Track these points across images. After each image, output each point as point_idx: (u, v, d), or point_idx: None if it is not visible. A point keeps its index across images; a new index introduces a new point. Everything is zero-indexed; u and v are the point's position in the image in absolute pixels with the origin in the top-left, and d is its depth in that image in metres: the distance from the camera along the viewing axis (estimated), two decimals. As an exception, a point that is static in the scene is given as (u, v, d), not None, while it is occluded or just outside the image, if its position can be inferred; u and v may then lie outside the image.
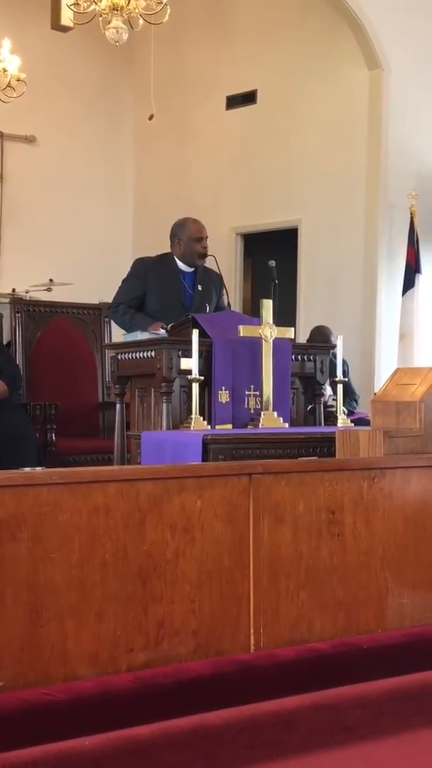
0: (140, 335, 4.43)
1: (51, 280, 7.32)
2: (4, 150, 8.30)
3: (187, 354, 3.96)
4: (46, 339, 6.30)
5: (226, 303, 5.23)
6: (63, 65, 8.41)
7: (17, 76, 6.60)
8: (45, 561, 2.16)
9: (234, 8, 8.29)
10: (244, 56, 8.14)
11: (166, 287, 4.98)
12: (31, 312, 6.33)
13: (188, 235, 4.98)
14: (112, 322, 6.32)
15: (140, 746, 1.93)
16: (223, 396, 4.12)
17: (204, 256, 5.01)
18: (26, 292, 7.23)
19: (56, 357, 6.26)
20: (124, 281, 5.09)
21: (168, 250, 5.10)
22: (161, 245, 5.30)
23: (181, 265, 5.02)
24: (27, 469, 2.21)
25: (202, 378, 3.98)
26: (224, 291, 5.25)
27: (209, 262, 5.14)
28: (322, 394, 4.58)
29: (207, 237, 5.03)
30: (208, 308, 5.02)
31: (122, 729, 1.97)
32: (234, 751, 2.03)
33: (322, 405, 4.58)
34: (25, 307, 6.33)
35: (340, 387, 4.48)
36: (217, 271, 5.16)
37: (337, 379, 4.45)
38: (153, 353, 4.11)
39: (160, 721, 2.02)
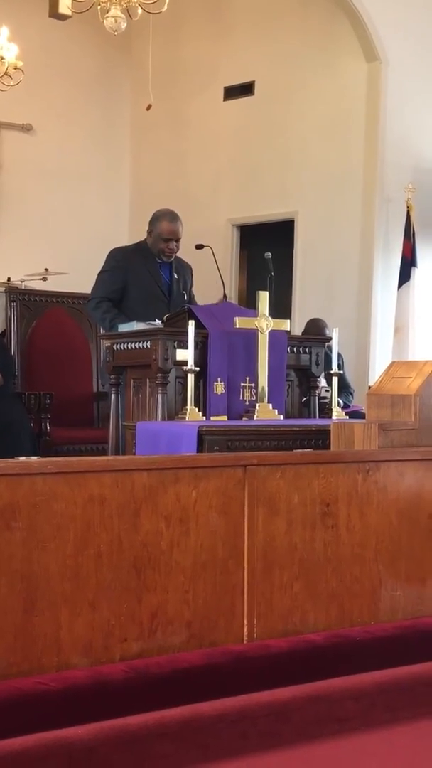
0: (136, 325, 4.43)
1: (46, 270, 7.30)
2: (0, 138, 8.26)
3: (183, 345, 3.96)
4: (41, 328, 6.29)
5: (193, 295, 5.23)
6: (61, 54, 8.37)
7: (14, 64, 6.57)
8: (39, 550, 2.16)
9: (233, -1, 8.27)
10: (243, 47, 8.12)
11: (145, 276, 4.98)
12: (27, 301, 6.32)
13: (158, 232, 4.96)
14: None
15: (133, 736, 1.94)
16: (219, 387, 4.12)
17: (167, 256, 4.98)
18: (21, 282, 7.21)
19: (51, 346, 6.26)
20: (102, 272, 5.04)
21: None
22: (158, 236, 5.28)
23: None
24: (22, 459, 2.21)
25: (198, 369, 3.98)
26: (192, 282, 5.26)
27: (203, 253, 5.11)
28: (317, 387, 4.58)
29: (179, 239, 4.96)
30: (185, 296, 5.03)
31: (115, 718, 1.98)
32: (227, 741, 2.04)
33: (317, 397, 4.58)
34: (20, 297, 6.32)
35: (335, 379, 4.48)
36: (188, 263, 5.17)
37: (332, 372, 4.46)
38: (149, 344, 4.11)
39: (153, 710, 2.02)
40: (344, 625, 2.62)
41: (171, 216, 4.98)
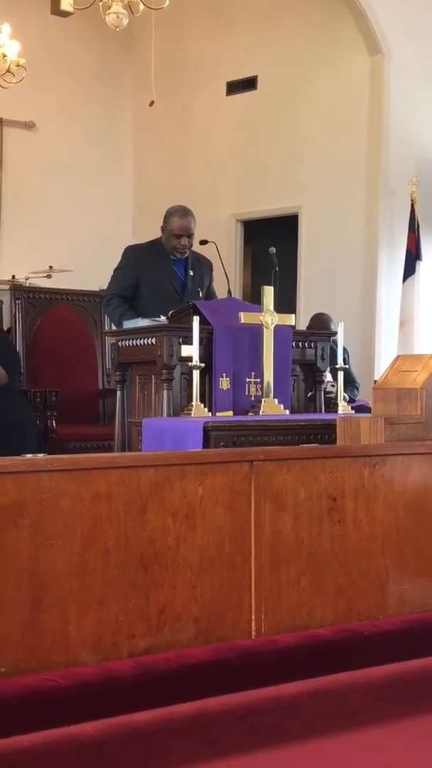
0: (141, 322, 4.42)
1: (51, 267, 7.31)
2: (3, 136, 8.26)
3: (188, 341, 3.96)
4: (46, 326, 6.29)
5: (214, 291, 5.21)
6: (63, 51, 8.37)
7: (17, 61, 6.57)
8: (46, 547, 2.16)
9: (234, -7, 8.25)
10: (245, 42, 8.10)
11: (158, 273, 4.96)
12: (31, 299, 6.32)
13: (170, 228, 4.95)
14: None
15: (142, 732, 1.94)
16: (224, 383, 4.12)
17: (180, 252, 4.96)
18: (26, 279, 7.22)
19: (56, 344, 6.26)
20: (116, 270, 5.06)
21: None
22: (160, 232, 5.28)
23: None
24: (29, 456, 2.21)
25: (203, 365, 3.97)
26: (212, 278, 5.24)
27: (207, 249, 5.11)
28: (323, 381, 4.58)
29: (191, 235, 4.96)
30: (200, 293, 5.02)
31: (124, 715, 1.98)
32: (236, 736, 2.04)
33: (322, 392, 4.58)
34: (25, 294, 6.32)
35: (340, 374, 4.48)
36: (208, 259, 5.15)
37: (337, 366, 4.45)
38: (154, 340, 4.11)
39: (161, 706, 2.02)
40: (352, 620, 2.62)
41: (182, 212, 4.96)
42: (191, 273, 5.03)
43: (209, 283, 5.18)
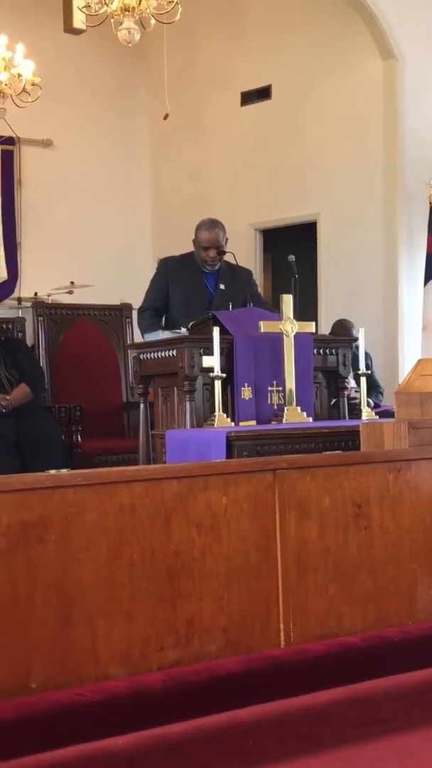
0: (162, 334, 4.44)
1: (72, 283, 7.35)
2: (21, 155, 8.32)
3: (209, 352, 3.97)
4: (69, 341, 6.34)
5: (258, 298, 5.18)
6: (77, 68, 8.43)
7: (32, 80, 6.61)
8: (73, 562, 2.17)
9: (245, 4, 8.27)
10: (257, 52, 8.12)
11: (187, 287, 4.99)
12: (54, 315, 6.37)
13: (198, 241, 4.98)
14: (134, 322, 6.36)
15: (174, 744, 1.94)
16: (246, 392, 4.12)
17: (210, 265, 4.97)
18: (48, 296, 7.27)
19: (79, 359, 6.30)
20: (150, 282, 5.13)
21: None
22: (180, 243, 5.31)
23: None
24: (52, 471, 2.22)
25: (225, 375, 3.98)
26: (255, 286, 5.23)
27: (227, 260, 5.13)
28: (346, 388, 4.57)
29: (219, 247, 4.95)
30: (231, 307, 5.01)
31: (155, 728, 1.98)
32: (267, 746, 2.03)
33: (345, 398, 4.57)
34: (47, 311, 6.38)
35: (363, 380, 4.47)
36: (246, 268, 5.16)
37: (360, 372, 4.44)
38: (175, 352, 4.12)
39: (192, 718, 2.02)
40: (381, 626, 2.61)
41: (210, 224, 4.98)
42: (222, 287, 5.02)
43: (253, 291, 5.15)
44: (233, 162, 8.36)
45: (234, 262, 5.17)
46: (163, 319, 5.06)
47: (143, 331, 4.98)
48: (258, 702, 2.13)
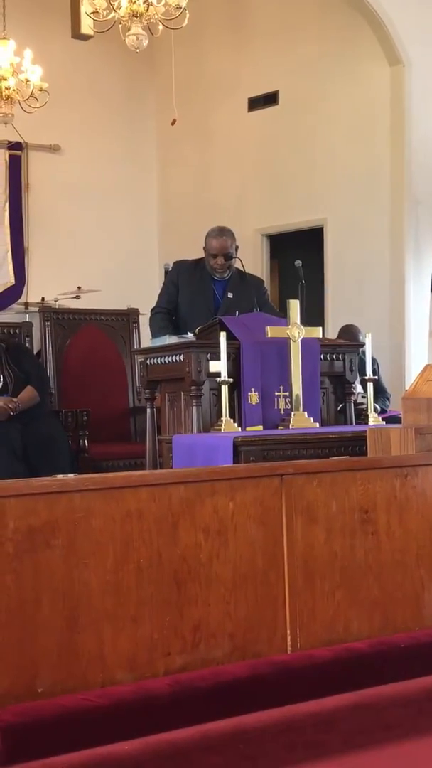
0: (168, 339, 4.44)
1: (79, 288, 7.36)
2: (28, 160, 8.35)
3: (216, 357, 3.97)
4: (75, 346, 6.34)
5: (268, 307, 5.17)
6: (85, 73, 8.45)
7: (40, 86, 6.64)
8: (80, 567, 2.17)
9: (253, 10, 8.29)
10: (265, 57, 8.14)
11: (195, 293, 4.99)
12: (61, 320, 6.38)
13: (206, 248, 4.98)
14: (141, 327, 6.37)
15: (180, 750, 1.94)
16: (253, 398, 4.12)
17: (218, 272, 4.97)
18: (55, 301, 7.28)
19: (86, 364, 6.30)
20: (163, 284, 5.15)
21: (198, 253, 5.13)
22: (186, 249, 5.32)
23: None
24: (59, 476, 2.22)
25: (231, 380, 3.98)
26: (267, 295, 5.22)
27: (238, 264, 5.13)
28: (353, 393, 4.56)
29: (226, 253, 4.93)
30: (236, 315, 5.00)
31: (161, 733, 1.98)
32: (274, 752, 2.03)
33: (352, 404, 4.56)
34: (54, 316, 6.38)
35: (370, 385, 4.46)
36: (257, 277, 5.15)
37: (367, 378, 4.44)
38: (182, 357, 4.12)
39: (199, 724, 2.02)
40: (388, 632, 2.60)
41: (218, 231, 4.96)
42: (230, 295, 5.00)
43: (264, 299, 5.12)
44: (240, 167, 8.37)
45: (242, 269, 5.17)
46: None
47: (153, 334, 5.00)
48: (264, 708, 2.13)
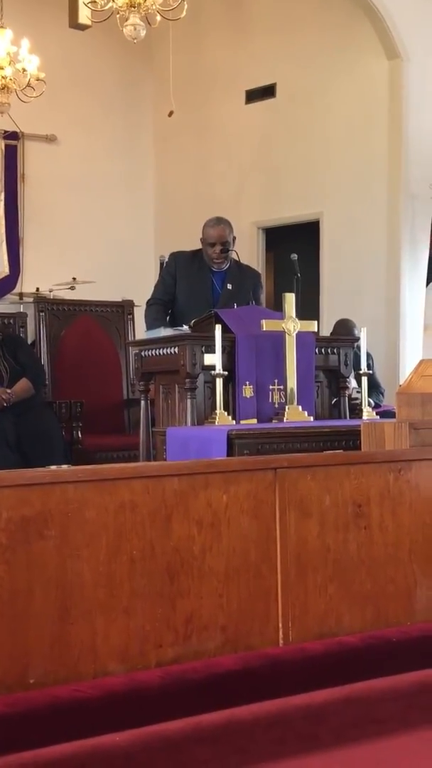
0: (163, 331, 4.44)
1: (74, 279, 7.35)
2: (24, 150, 8.32)
3: (211, 350, 3.96)
4: (70, 337, 6.33)
5: (262, 302, 5.18)
6: (82, 64, 8.43)
7: (36, 75, 6.61)
8: (73, 558, 2.17)
9: (251, 2, 8.27)
10: (263, 50, 8.12)
11: (193, 284, 4.98)
12: (55, 311, 6.36)
13: (203, 238, 4.99)
14: (135, 318, 6.36)
15: (171, 742, 1.94)
16: (248, 391, 4.12)
17: (216, 262, 4.97)
18: (50, 291, 7.27)
19: (81, 355, 6.29)
20: (159, 276, 5.13)
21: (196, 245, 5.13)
22: (183, 241, 5.31)
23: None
24: (53, 467, 2.22)
25: (226, 373, 3.98)
26: (262, 288, 5.23)
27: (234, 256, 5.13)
28: (347, 387, 4.57)
29: (225, 243, 4.94)
30: (234, 307, 5.00)
31: (153, 725, 1.98)
32: (265, 745, 2.03)
33: (346, 398, 4.56)
34: (48, 306, 6.37)
35: (364, 379, 4.46)
36: (255, 270, 5.15)
37: (361, 372, 4.44)
38: (176, 349, 4.12)
39: (190, 716, 2.02)
40: (380, 626, 2.61)
41: (215, 221, 4.99)
42: (229, 286, 5.01)
43: (255, 298, 5.13)
44: (237, 160, 8.36)
45: (238, 260, 5.17)
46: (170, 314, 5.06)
47: (147, 325, 4.99)
48: (256, 700, 2.13)
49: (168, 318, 5.03)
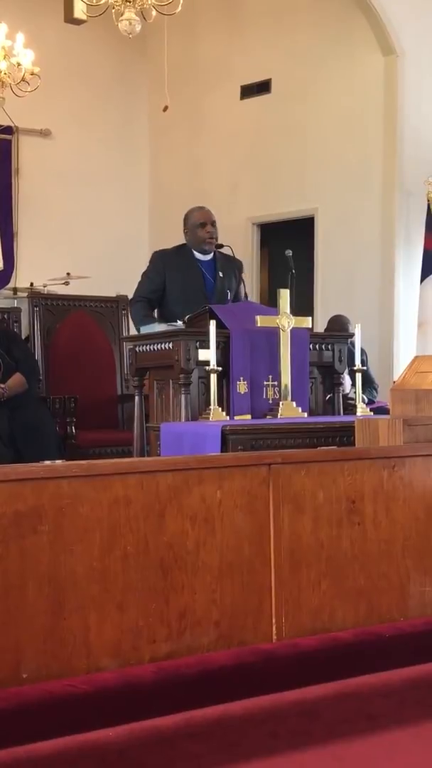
0: (157, 327, 4.44)
1: (68, 274, 7.33)
2: (19, 144, 8.30)
3: (205, 345, 3.96)
4: (64, 332, 6.32)
5: (243, 293, 5.22)
6: (77, 58, 8.40)
7: (31, 70, 6.59)
8: (66, 553, 2.17)
9: (247, -3, 8.26)
10: (258, 45, 8.10)
11: (185, 277, 4.99)
12: (49, 306, 6.35)
13: (192, 222, 5.01)
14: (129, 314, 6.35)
15: (164, 736, 1.94)
16: (242, 386, 4.12)
17: (209, 242, 5.00)
18: (44, 286, 7.26)
19: (75, 350, 6.29)
20: (144, 274, 5.11)
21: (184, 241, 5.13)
22: (177, 236, 5.30)
23: (197, 254, 5.03)
24: (47, 462, 2.22)
25: (221, 369, 3.98)
26: (243, 280, 5.25)
27: (228, 251, 5.15)
28: (341, 384, 4.57)
29: (213, 222, 5.01)
30: (228, 294, 5.03)
31: (146, 720, 1.98)
32: (257, 740, 2.04)
33: (340, 394, 4.57)
34: (43, 301, 6.36)
35: (358, 376, 4.46)
36: (238, 259, 5.18)
37: (355, 368, 4.44)
38: (171, 345, 4.12)
39: (183, 711, 2.02)
40: (373, 622, 2.61)
41: (198, 207, 5.11)
42: (220, 274, 5.05)
43: (238, 286, 5.17)
44: (232, 155, 8.35)
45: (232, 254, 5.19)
46: (156, 312, 5.06)
47: (137, 323, 4.99)
48: (249, 695, 2.14)
49: (156, 314, 5.04)
